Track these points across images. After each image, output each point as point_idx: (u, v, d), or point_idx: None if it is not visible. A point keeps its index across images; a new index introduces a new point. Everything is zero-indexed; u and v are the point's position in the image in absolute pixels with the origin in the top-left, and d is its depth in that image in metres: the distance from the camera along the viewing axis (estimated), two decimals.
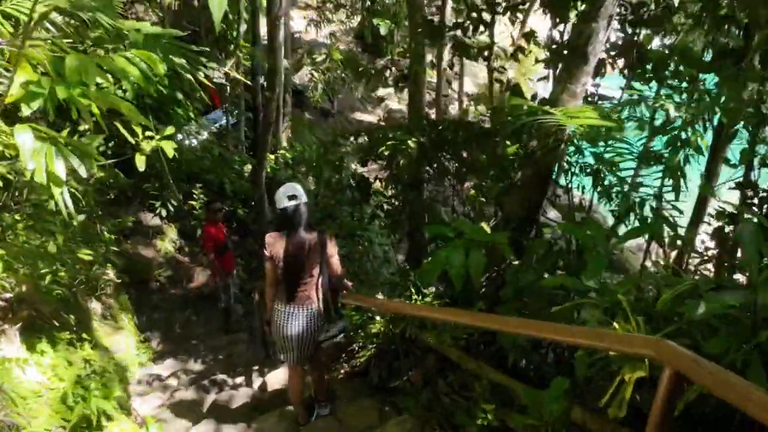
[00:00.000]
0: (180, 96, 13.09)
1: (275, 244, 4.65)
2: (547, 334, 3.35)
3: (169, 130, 4.48)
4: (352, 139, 10.86)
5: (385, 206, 10.28)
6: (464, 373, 5.21)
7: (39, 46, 3.16)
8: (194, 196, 12.90)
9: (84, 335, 5.55)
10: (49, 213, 5.28)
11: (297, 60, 24.63)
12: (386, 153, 6.67)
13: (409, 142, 6.24)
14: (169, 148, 4.30)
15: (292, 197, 4.67)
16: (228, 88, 18.09)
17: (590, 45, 5.12)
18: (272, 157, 16.31)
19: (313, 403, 5.48)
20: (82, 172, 3.14)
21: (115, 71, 3.34)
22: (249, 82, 15.15)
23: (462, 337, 5.31)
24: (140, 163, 4.77)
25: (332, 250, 4.85)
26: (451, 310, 4.86)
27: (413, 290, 6.60)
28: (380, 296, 7.11)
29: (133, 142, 4.24)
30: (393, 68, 26.96)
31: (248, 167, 15.93)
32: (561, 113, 4.81)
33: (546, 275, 4.84)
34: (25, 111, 2.89)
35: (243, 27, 17.07)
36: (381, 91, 26.66)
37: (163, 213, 12.35)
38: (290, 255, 4.62)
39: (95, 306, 6.46)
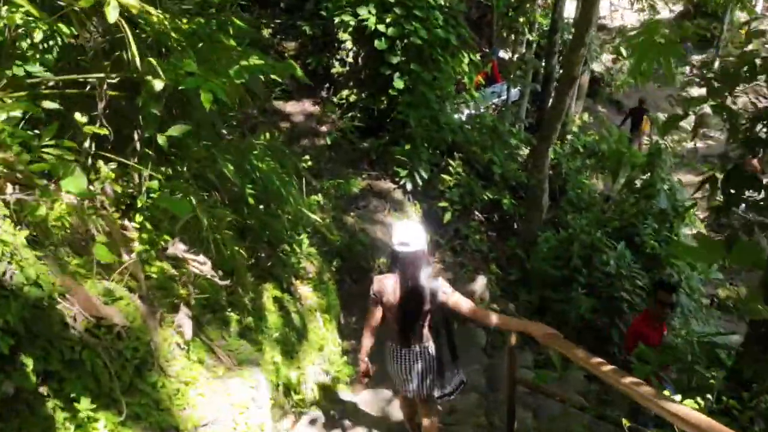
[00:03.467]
0: (454, 41, 9.62)
1: (385, 289, 4.03)
2: None
3: None
4: None
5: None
6: None
7: None
8: (450, 169, 9.31)
9: (98, 396, 2.27)
10: None
11: (599, 45, 19.99)
12: None
13: None
14: None
15: (403, 243, 3.97)
16: (514, 58, 14.39)
17: None
18: (557, 142, 12.20)
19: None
20: None
21: None
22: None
23: None
24: None
25: (445, 297, 4.00)
26: None
27: None
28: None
29: None
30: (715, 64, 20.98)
31: (524, 152, 12.00)
32: None
33: None
34: None
35: None
36: (696, 91, 20.80)
37: (408, 186, 8.96)
38: (405, 305, 3.99)
39: (185, 321, 3.10)
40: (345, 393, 6.32)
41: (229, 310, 4.37)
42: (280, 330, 5.49)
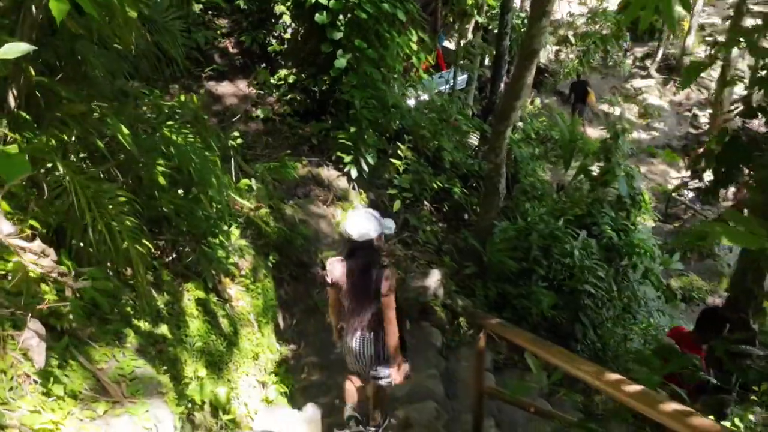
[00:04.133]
0: (401, 16, 8.83)
1: (336, 271, 4.12)
2: None
3: None
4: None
5: None
6: None
7: None
8: (400, 154, 8.50)
9: None
10: None
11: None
12: None
13: None
14: None
15: (354, 230, 3.98)
16: (461, 43, 13.73)
17: None
18: None
19: (368, 423, 4.66)
20: None
21: None
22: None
23: None
24: None
25: (385, 287, 3.96)
26: None
27: None
28: None
29: None
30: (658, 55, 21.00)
31: (474, 139, 11.33)
32: None
33: None
34: None
35: None
36: (639, 82, 20.69)
37: (353, 173, 8.11)
38: (353, 288, 4.09)
39: (34, 342, 2.16)
40: (285, 408, 5.45)
41: (134, 318, 3.45)
42: (204, 338, 4.59)
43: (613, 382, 2.42)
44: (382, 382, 4.29)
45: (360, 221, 4.05)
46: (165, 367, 3.28)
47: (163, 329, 3.90)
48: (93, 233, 2.66)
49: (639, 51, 22.28)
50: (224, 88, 9.51)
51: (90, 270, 2.79)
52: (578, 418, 3.99)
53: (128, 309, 3.46)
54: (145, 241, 3.14)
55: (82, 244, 3.07)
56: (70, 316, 2.46)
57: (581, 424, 3.82)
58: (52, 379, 2.20)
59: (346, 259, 4.13)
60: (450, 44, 18.12)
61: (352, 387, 4.70)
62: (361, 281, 4.05)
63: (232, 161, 5.41)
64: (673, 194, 15.50)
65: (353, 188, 8.26)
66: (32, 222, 2.51)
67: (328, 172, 8.18)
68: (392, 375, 4.21)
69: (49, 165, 2.90)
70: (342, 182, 8.18)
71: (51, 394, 2.18)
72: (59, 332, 2.45)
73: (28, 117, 3.07)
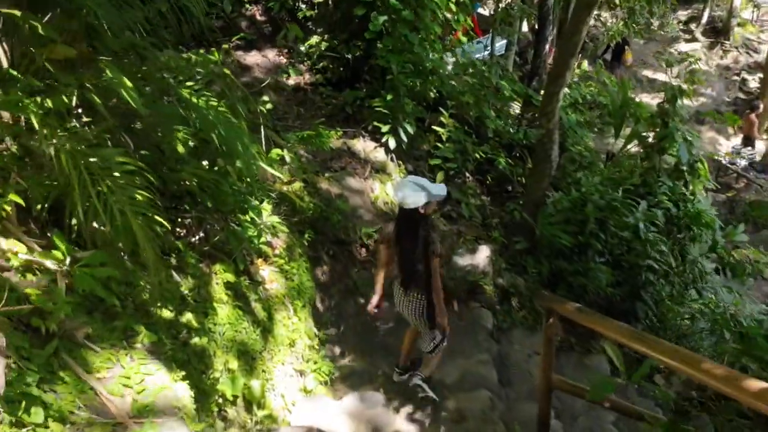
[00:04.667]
0: None
1: (387, 230, 4.59)
2: None
3: None
4: None
5: None
6: None
7: None
8: (443, 121, 7.85)
9: None
10: None
11: None
12: None
13: None
14: None
15: (400, 199, 4.25)
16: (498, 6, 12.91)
17: None
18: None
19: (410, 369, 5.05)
20: None
21: None
22: None
23: None
24: None
25: (431, 253, 4.29)
26: None
27: None
28: None
29: None
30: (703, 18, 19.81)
31: (515, 109, 10.60)
32: None
33: None
34: None
35: None
36: (684, 46, 19.53)
37: (391, 144, 7.49)
38: (398, 248, 4.44)
39: None
40: (325, 398, 4.96)
41: (150, 308, 2.93)
42: (235, 326, 4.09)
43: (758, 391, 1.81)
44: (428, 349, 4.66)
45: (402, 189, 4.24)
46: (184, 372, 2.75)
47: (188, 317, 3.40)
48: (83, 209, 2.14)
49: (683, 14, 21.04)
50: (253, 57, 8.95)
51: (93, 254, 2.27)
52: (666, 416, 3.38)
53: (145, 296, 2.95)
54: (159, 218, 2.62)
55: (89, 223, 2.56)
56: (61, 314, 1.95)
57: (673, 427, 3.23)
58: (24, 403, 1.68)
59: (396, 221, 4.48)
60: (484, 11, 17.26)
61: (409, 340, 5.06)
62: (405, 243, 4.35)
63: (262, 129, 4.86)
64: (725, 162, 14.66)
65: (391, 160, 7.65)
66: (13, 197, 2.00)
67: (364, 144, 7.58)
68: (442, 324, 4.48)
69: (45, 131, 2.37)
70: (379, 154, 7.57)
71: (24, 423, 1.66)
72: (45, 335, 1.95)
73: (19, 75, 2.55)
